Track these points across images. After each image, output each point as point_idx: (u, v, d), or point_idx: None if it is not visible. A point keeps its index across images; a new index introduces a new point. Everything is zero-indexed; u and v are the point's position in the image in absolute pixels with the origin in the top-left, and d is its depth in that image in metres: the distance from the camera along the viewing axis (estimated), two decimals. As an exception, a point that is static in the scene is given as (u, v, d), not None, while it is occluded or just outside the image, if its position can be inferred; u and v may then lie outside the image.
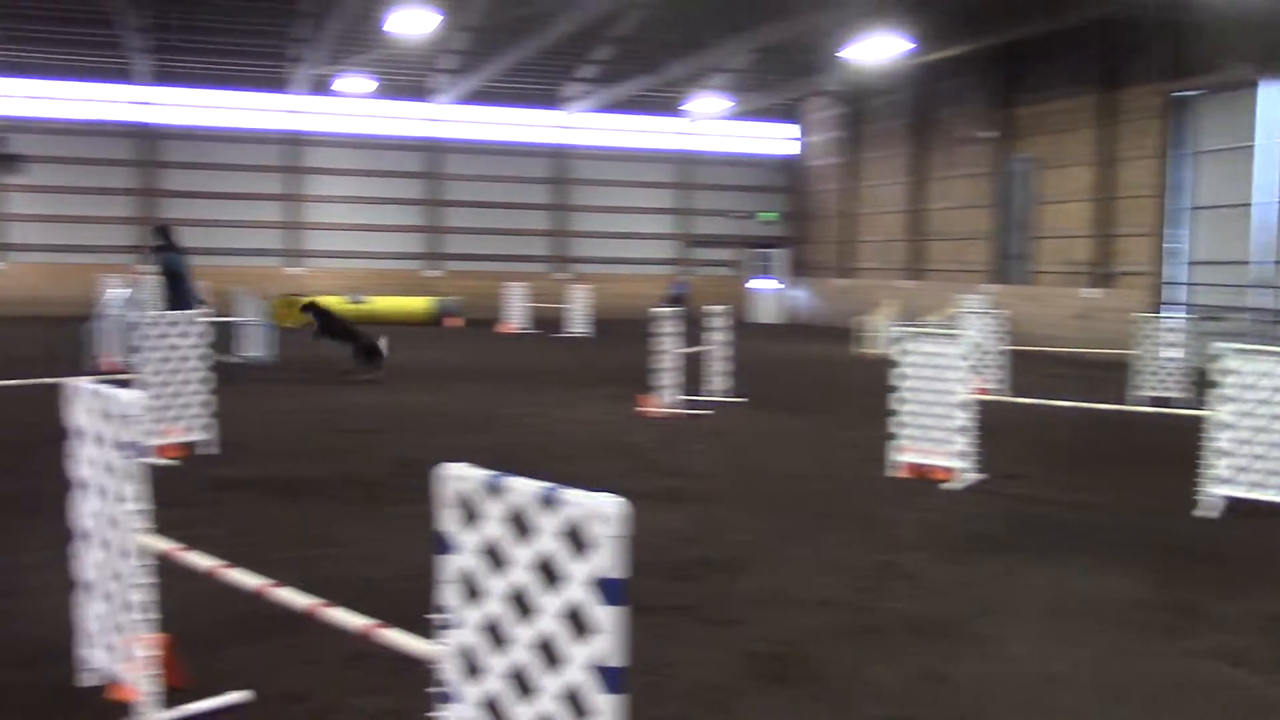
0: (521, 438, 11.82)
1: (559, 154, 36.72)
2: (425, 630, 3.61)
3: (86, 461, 4.60)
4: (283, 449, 10.87)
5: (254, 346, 19.41)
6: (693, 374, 14.98)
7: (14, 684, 4.75)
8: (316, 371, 18.04)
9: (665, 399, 13.56)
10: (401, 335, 26.98)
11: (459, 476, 3.12)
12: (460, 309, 31.91)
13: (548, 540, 2.91)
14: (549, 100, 35.93)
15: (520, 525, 2.98)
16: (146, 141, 33.12)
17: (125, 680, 4.49)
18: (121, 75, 32.12)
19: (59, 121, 32.66)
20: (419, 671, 4.93)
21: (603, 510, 2.77)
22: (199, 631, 5.28)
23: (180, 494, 8.23)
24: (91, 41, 30.38)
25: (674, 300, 28.72)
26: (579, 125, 36.69)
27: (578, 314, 28.74)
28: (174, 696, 4.50)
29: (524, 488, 2.93)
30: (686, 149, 37.95)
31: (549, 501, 2.87)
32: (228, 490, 8.85)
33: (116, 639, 4.51)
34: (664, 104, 35.84)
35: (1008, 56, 28.17)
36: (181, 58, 31.93)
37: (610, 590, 2.78)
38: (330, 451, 10.79)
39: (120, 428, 4.29)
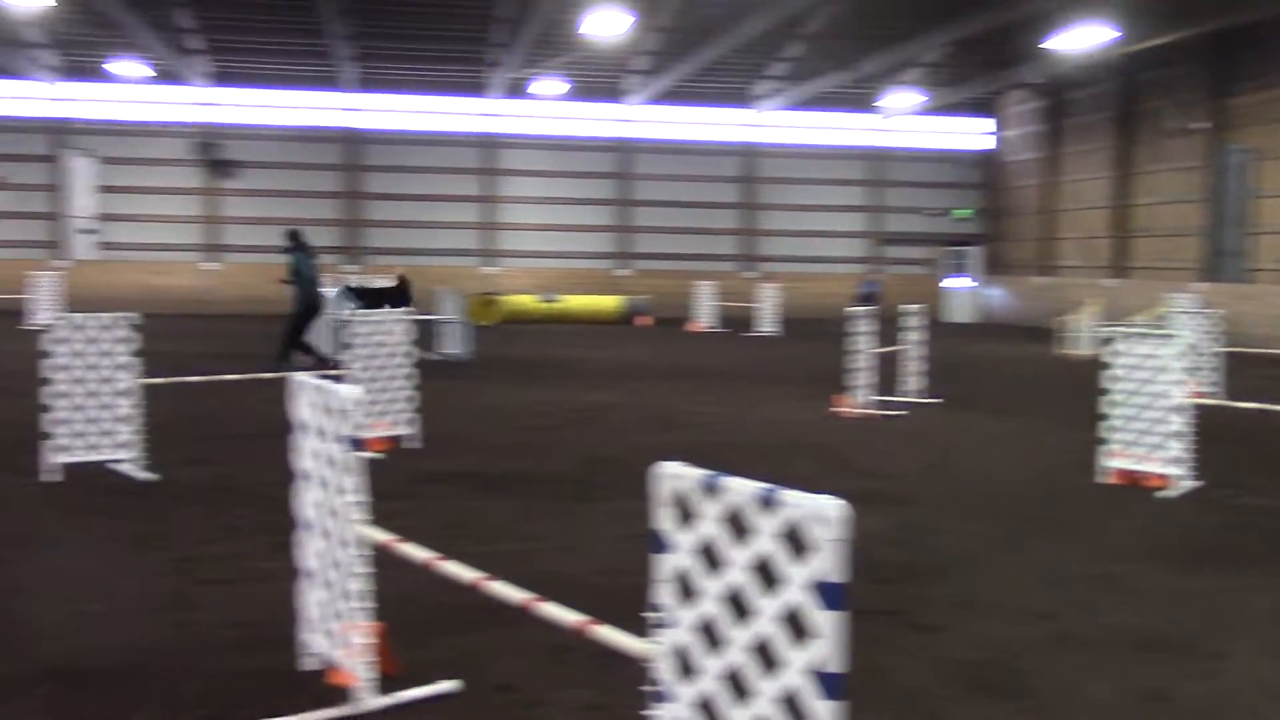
0: (712, 436, 11.80)
1: (748, 152, 36.62)
2: (630, 626, 3.61)
3: (308, 454, 4.77)
4: (480, 444, 11.12)
5: (452, 344, 19.95)
6: (886, 374, 14.70)
7: (239, 667, 4.96)
8: (509, 368, 18.45)
9: (859, 399, 13.34)
10: (592, 334, 27.40)
11: (676, 475, 3.10)
12: (649, 308, 32.15)
13: (765, 541, 2.86)
14: (739, 98, 35.85)
15: (737, 525, 2.95)
16: (351, 146, 34.45)
17: (343, 666, 4.64)
18: (328, 82, 33.49)
19: (269, 128, 34.28)
20: (622, 667, 4.96)
21: (824, 512, 2.70)
22: (408, 621, 5.42)
23: (387, 486, 8.48)
24: (301, 51, 31.77)
25: (865, 299, 28.29)
26: (769, 123, 36.50)
27: (767, 313, 28.61)
28: (386, 683, 4.63)
29: (742, 488, 2.89)
30: (878, 145, 37.33)
31: (768, 502, 2.82)
32: (431, 484, 9.09)
33: (335, 626, 4.67)
34: (855, 100, 35.35)
35: (1220, 44, 26.79)
36: (384, 64, 33.11)
37: (830, 594, 2.72)
38: (525, 447, 10.99)
39: (339, 422, 4.43)
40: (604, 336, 26.53)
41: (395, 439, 10.44)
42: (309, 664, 4.89)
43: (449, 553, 4.39)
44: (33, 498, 8.26)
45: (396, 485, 8.69)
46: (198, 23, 30.54)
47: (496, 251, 35.62)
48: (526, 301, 31.46)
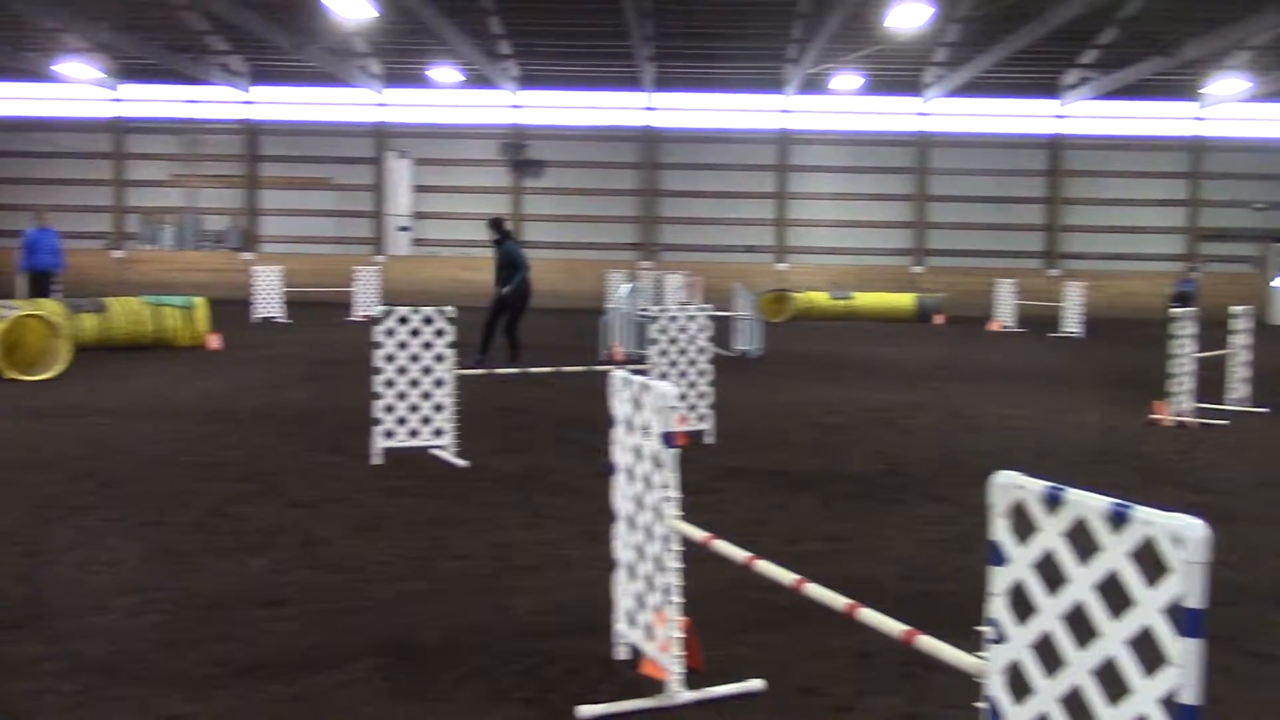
0: (1017, 441, 11.34)
1: (1054, 144, 35.04)
2: (935, 635, 3.49)
3: (623, 447, 4.86)
4: (776, 441, 11.10)
5: (744, 340, 20.05)
6: (1205, 380, 13.74)
7: (554, 652, 5.12)
8: (802, 365, 18.36)
9: (1178, 406, 12.50)
10: (885, 332, 26.92)
11: (1015, 485, 2.96)
12: (941, 305, 31.29)
13: (1112, 559, 2.69)
14: (1044, 89, 34.39)
15: (1080, 540, 2.79)
16: (648, 144, 35.19)
17: (653, 658, 4.71)
18: (628, 83, 34.32)
19: (571, 128, 35.48)
20: (930, 677, 4.84)
21: (1183, 532, 2.52)
22: (713, 616, 5.46)
23: (686, 482, 8.59)
24: (602, 52, 32.70)
25: (1181, 299, 26.50)
26: (1077, 114, 34.81)
27: (1071, 313, 27.29)
28: (693, 678, 4.67)
29: (1088, 502, 2.73)
30: (1197, 135, 34.94)
31: (1119, 518, 2.65)
32: (729, 479, 9.14)
33: (647, 618, 4.74)
34: (1173, 87, 33.21)
35: None
36: (682, 64, 33.64)
37: (1188, 620, 2.53)
38: (822, 445, 10.90)
39: (657, 416, 4.49)
40: (898, 334, 26.02)
41: (693, 434, 10.57)
42: (621, 653, 4.99)
43: (750, 550, 4.38)
44: (359, 480, 8.83)
45: (697, 480, 8.78)
46: (507, 29, 31.94)
47: (788, 248, 35.57)
48: (818, 298, 31.25)
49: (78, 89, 34.64)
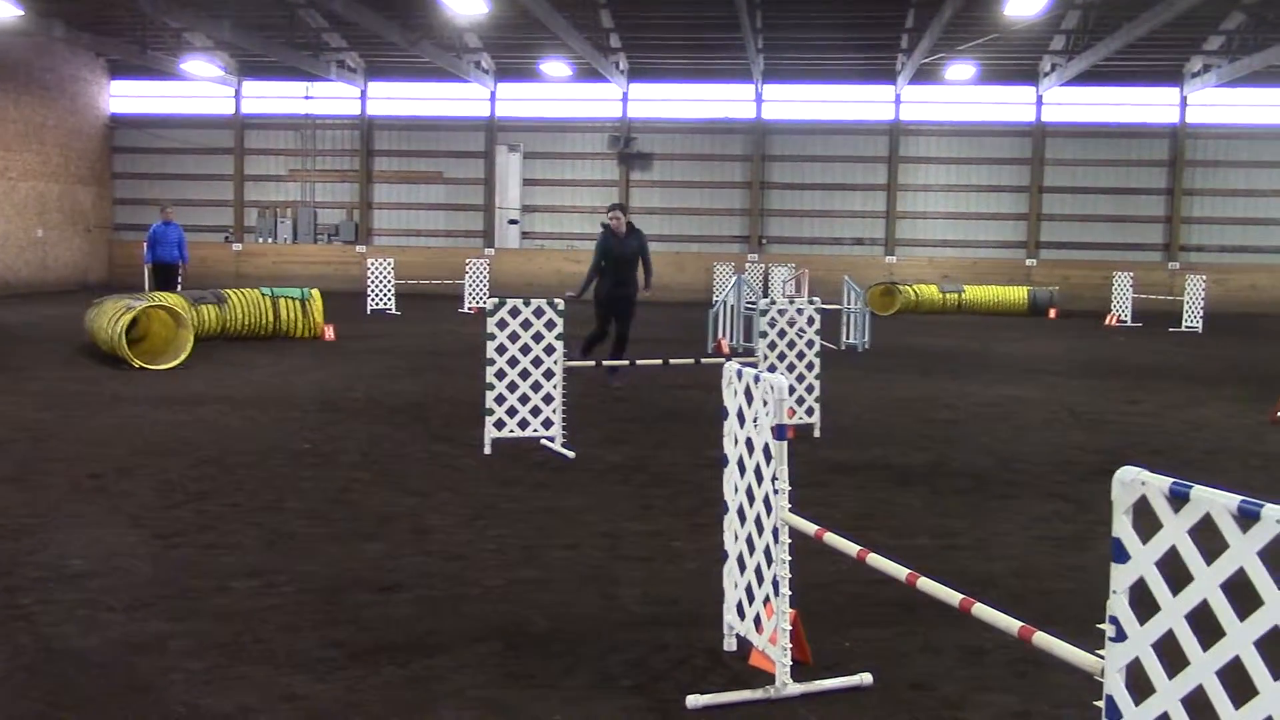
0: (1134, 438, 11.06)
1: (1176, 134, 34.02)
2: (1048, 632, 3.44)
3: (734, 439, 4.86)
4: (885, 434, 10.99)
5: (853, 334, 19.87)
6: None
7: (662, 642, 5.14)
8: (911, 359, 18.13)
9: (1305, 404, 12.07)
10: (997, 326, 26.45)
11: (1139, 481, 2.90)
12: (1055, 299, 30.61)
13: (1240, 557, 2.62)
14: (1166, 77, 33.39)
15: (1204, 538, 2.72)
16: (756, 136, 35.03)
17: (762, 650, 4.71)
18: (735, 75, 34.19)
19: (679, 121, 35.49)
20: (1042, 675, 4.76)
21: (1314, 531, 2.44)
22: (821, 609, 5.44)
23: (794, 474, 8.56)
24: (710, 45, 32.61)
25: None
26: (1199, 103, 33.74)
27: (1192, 306, 26.47)
28: (800, 670, 4.66)
29: (1216, 499, 2.66)
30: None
31: (1247, 515, 2.58)
32: (838, 473, 9.09)
33: (756, 610, 4.74)
34: (1303, 74, 32.02)
35: None
36: (791, 55, 33.39)
37: (1320, 623, 2.45)
38: (925, 439, 10.76)
39: (769, 409, 4.49)
40: (1010, 329, 25.53)
41: (801, 428, 10.51)
42: (729, 644, 5.00)
43: (860, 544, 4.36)
44: (470, 469, 8.97)
45: (805, 474, 8.73)
46: (616, 22, 32.04)
47: (898, 240, 35.12)
48: (928, 291, 30.81)
49: (201, 86, 35.68)
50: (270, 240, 36.56)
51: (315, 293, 19.61)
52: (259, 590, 5.79)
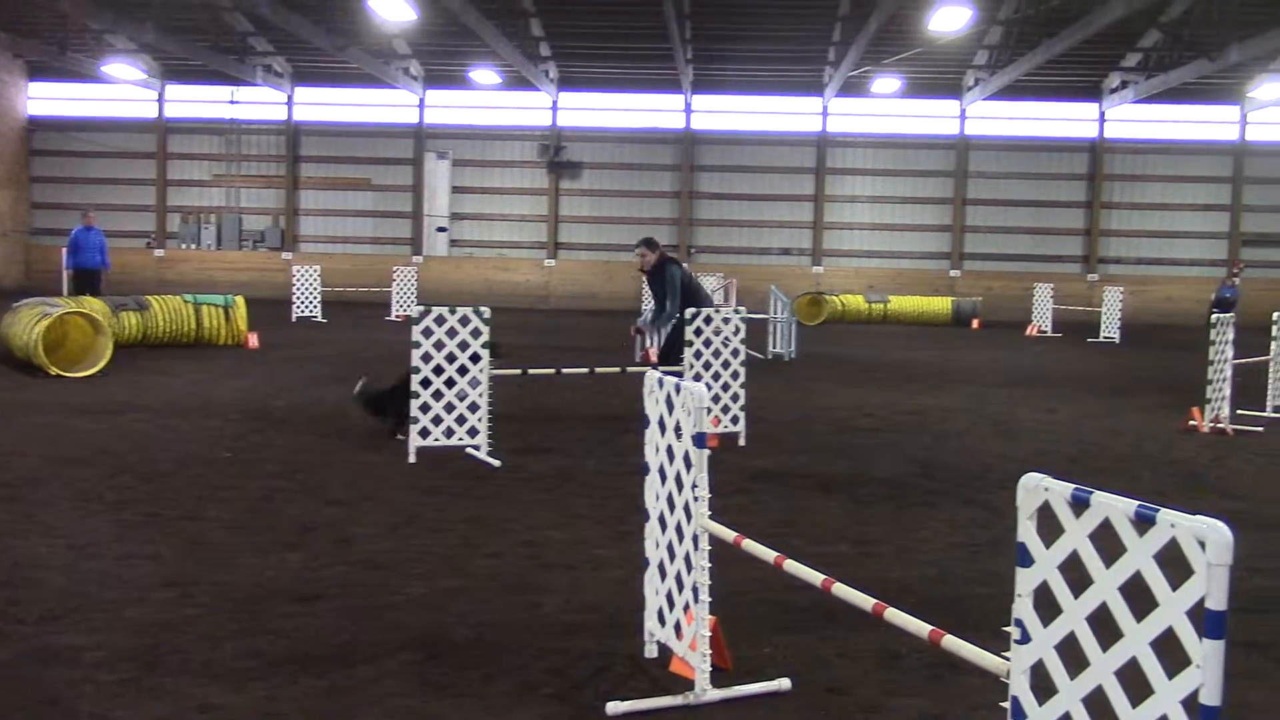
0: (1050, 447, 11.28)
1: (1095, 148, 34.76)
2: (964, 638, 3.51)
3: (655, 447, 4.90)
4: (804, 442, 11.10)
5: (780, 343, 20.03)
6: (1244, 386, 13.62)
7: (583, 649, 5.16)
8: (836, 368, 18.32)
9: (1213, 413, 12.39)
10: (921, 336, 26.82)
11: (1042, 487, 2.98)
12: (978, 310, 31.13)
13: (1137, 561, 2.70)
14: (1085, 93, 34.15)
15: (1105, 542, 2.80)
16: (685, 146, 35.21)
17: (682, 656, 4.74)
18: (665, 85, 34.33)
19: (608, 130, 35.56)
20: (956, 678, 4.85)
21: (1205, 534, 2.53)
22: (739, 616, 5.49)
23: (718, 483, 8.61)
24: (641, 55, 32.72)
25: (1222, 304, 26.24)
26: (1117, 118, 34.53)
27: (1109, 318, 27.07)
28: (719, 677, 4.70)
29: (1115, 504, 2.74)
30: (1240, 139, 34.54)
31: (1144, 520, 2.66)
32: (761, 481, 9.16)
33: (675, 617, 4.78)
34: (1215, 92, 32.92)
35: None
36: (720, 66, 33.62)
37: (1212, 622, 2.54)
38: (848, 447, 10.89)
39: (689, 417, 4.52)
40: (934, 339, 25.91)
41: (724, 436, 10.58)
42: (649, 651, 5.03)
43: (780, 551, 4.41)
44: (394, 478, 8.92)
45: (729, 482, 8.80)
46: (546, 31, 32.05)
47: (825, 250, 35.48)
48: (854, 301, 31.17)
49: (123, 89, 35.08)
50: (194, 246, 36.04)
51: (239, 300, 19.35)
52: (176, 600, 5.71)
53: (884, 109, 34.88)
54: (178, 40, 28.11)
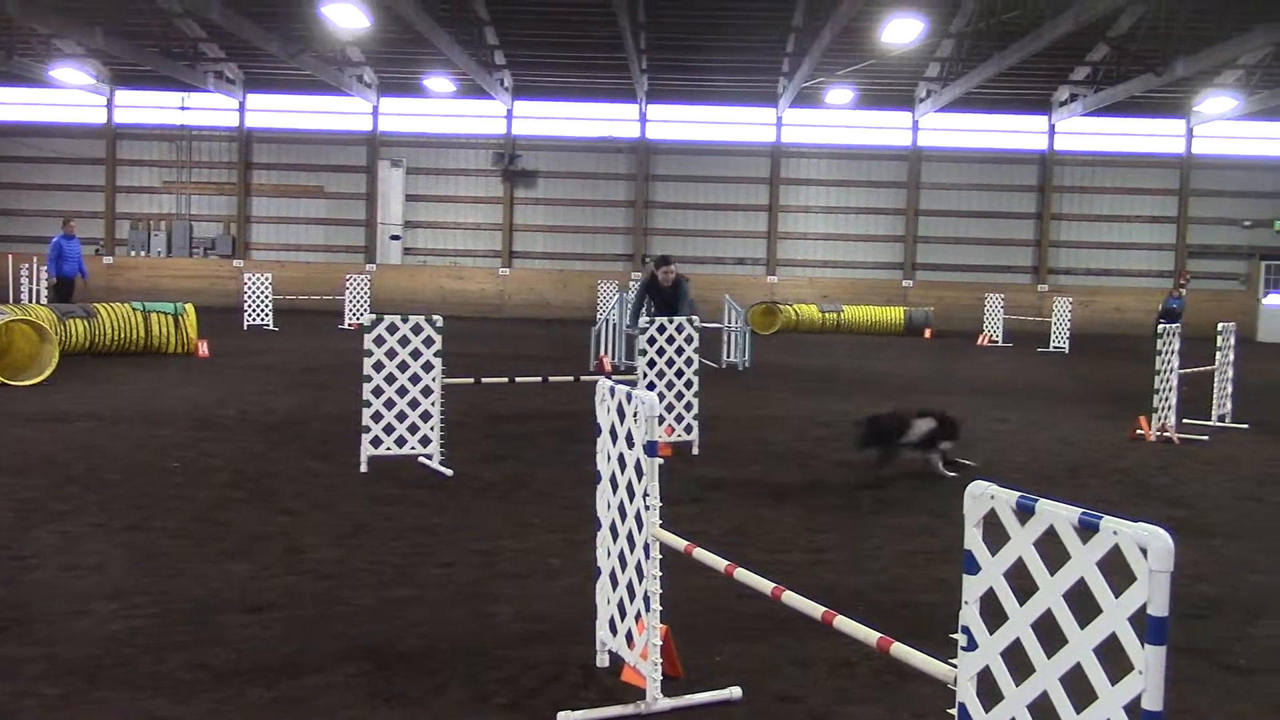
0: (1001, 455, 11.39)
1: (1045, 160, 35.19)
2: (915, 645, 3.53)
3: (607, 455, 4.89)
4: (758, 451, 11.14)
5: (735, 352, 20.09)
6: (1189, 396, 13.83)
7: (535, 659, 5.14)
8: (791, 377, 18.40)
9: (1159, 422, 12.57)
10: (874, 345, 27.00)
11: (988, 495, 3.00)
12: (930, 319, 31.41)
13: (1081, 568, 2.73)
14: (1036, 106, 34.58)
15: (1051, 550, 2.83)
16: (640, 156, 35.26)
17: (634, 665, 4.74)
18: (620, 95, 34.38)
19: (563, 139, 35.55)
20: (907, 686, 4.87)
21: (1147, 541, 2.56)
22: (692, 624, 5.49)
23: (672, 491, 8.62)
24: (595, 65, 32.75)
25: (1169, 315, 26.60)
26: (1067, 130, 34.99)
27: (1059, 327, 27.39)
28: (671, 685, 4.70)
29: (1058, 511, 2.77)
30: (1187, 152, 35.10)
31: (1087, 528, 2.69)
32: (713, 490, 9.18)
33: (627, 626, 4.77)
34: (1162, 105, 33.46)
35: None
36: (674, 76, 33.73)
37: (1153, 628, 2.57)
38: (808, 456, 10.93)
39: (640, 426, 4.52)
40: (886, 348, 26.08)
41: (678, 445, 10.60)
42: (601, 660, 5.02)
43: (732, 559, 4.42)
44: (345, 487, 8.85)
45: (683, 490, 8.81)
46: (501, 40, 32.00)
47: (779, 260, 35.65)
48: (808, 311, 31.33)
49: (71, 94, 34.64)
50: (144, 254, 35.61)
51: (189, 307, 19.15)
52: (121, 612, 5.63)
53: (838, 120, 35.11)
54: (127, 45, 27.78)
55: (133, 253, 35.65)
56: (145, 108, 35.66)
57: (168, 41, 29.86)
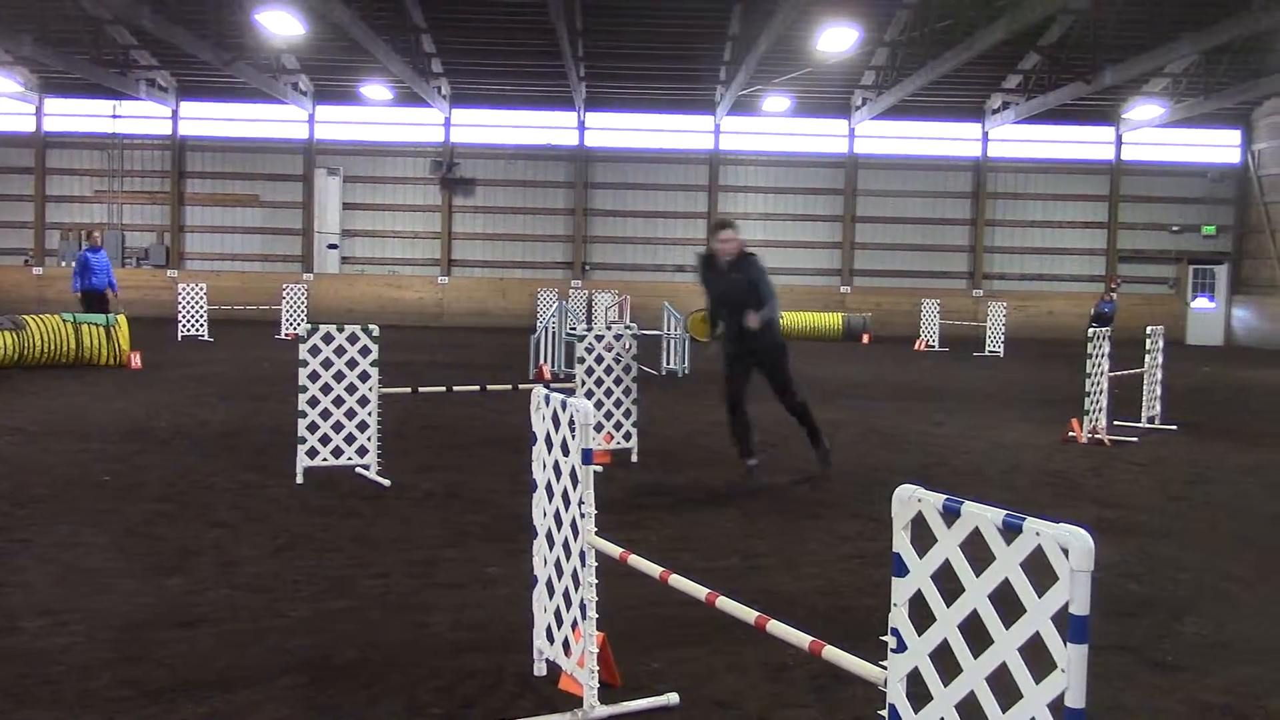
0: (937, 458, 11.53)
1: (979, 167, 35.66)
2: (851, 648, 3.57)
3: (543, 464, 4.89)
4: (696, 457, 11.19)
5: (674, 359, 20.14)
6: (1121, 398, 14.08)
7: (472, 668, 5.12)
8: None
9: (1091, 424, 12.79)
10: (812, 351, 27.18)
11: (915, 498, 3.04)
12: (868, 325, 31.70)
13: (1005, 568, 2.78)
14: (969, 113, 35.03)
15: (977, 551, 2.87)
16: (579, 163, 35.26)
17: (571, 673, 4.74)
18: (558, 103, 34.35)
19: (502, 147, 35.46)
20: (842, 689, 4.92)
21: (1069, 542, 2.61)
22: (628, 631, 5.50)
23: (609, 499, 8.64)
24: (533, 72, 32.68)
25: (1100, 319, 27.06)
26: (999, 138, 35.50)
27: (993, 332, 27.78)
28: (608, 693, 4.71)
29: (983, 513, 2.82)
30: (1116, 159, 35.74)
31: (1011, 529, 2.74)
32: (653, 496, 9.20)
33: (564, 633, 4.77)
34: (1092, 113, 34.05)
35: None
36: (612, 84, 33.75)
37: (1075, 627, 2.61)
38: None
39: (575, 434, 4.53)
40: (824, 353, 26.27)
41: (615, 452, 10.61)
42: (539, 669, 5.02)
43: (671, 566, 4.43)
44: (281, 499, 8.76)
45: (621, 498, 8.83)
46: (438, 47, 31.85)
47: (718, 268, 35.74)
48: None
49: (-2, 102, 34.04)
50: (74, 264, 34.98)
51: (121, 318, 18.85)
52: (49, 630, 5.53)
53: (775, 127, 35.34)
54: (57, 53, 27.29)
55: (63, 263, 35.01)
56: (75, 116, 35.07)
57: (98, 49, 29.37)
